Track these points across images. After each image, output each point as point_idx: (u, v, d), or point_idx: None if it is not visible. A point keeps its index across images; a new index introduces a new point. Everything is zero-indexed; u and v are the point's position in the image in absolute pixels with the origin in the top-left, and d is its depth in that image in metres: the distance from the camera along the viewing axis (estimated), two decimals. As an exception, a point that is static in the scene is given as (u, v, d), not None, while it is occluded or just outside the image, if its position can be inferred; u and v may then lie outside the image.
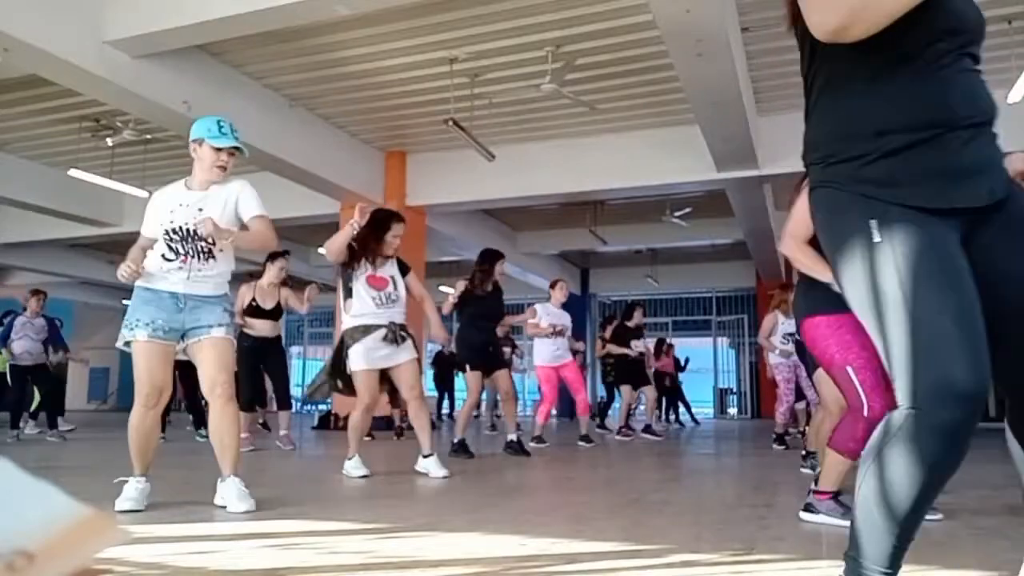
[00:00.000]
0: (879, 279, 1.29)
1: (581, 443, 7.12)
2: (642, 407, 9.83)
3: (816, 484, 2.93)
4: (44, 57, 5.98)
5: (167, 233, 3.14)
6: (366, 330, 4.33)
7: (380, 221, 4.54)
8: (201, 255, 3.17)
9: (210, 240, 3.13)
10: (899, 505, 1.27)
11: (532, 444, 6.76)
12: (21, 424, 7.87)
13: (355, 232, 4.27)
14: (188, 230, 3.15)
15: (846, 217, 1.36)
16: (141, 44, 6.36)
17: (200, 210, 3.16)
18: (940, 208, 1.31)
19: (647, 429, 8.71)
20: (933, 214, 1.31)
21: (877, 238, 1.30)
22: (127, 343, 3.18)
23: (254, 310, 6.47)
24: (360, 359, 4.30)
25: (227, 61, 7.76)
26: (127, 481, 3.10)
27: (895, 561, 1.31)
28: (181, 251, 3.14)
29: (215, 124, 3.21)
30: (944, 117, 1.33)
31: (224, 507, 3.08)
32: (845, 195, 1.37)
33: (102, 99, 7.22)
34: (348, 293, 4.43)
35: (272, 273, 6.56)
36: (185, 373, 6.83)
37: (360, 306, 4.38)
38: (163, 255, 3.14)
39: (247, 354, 6.41)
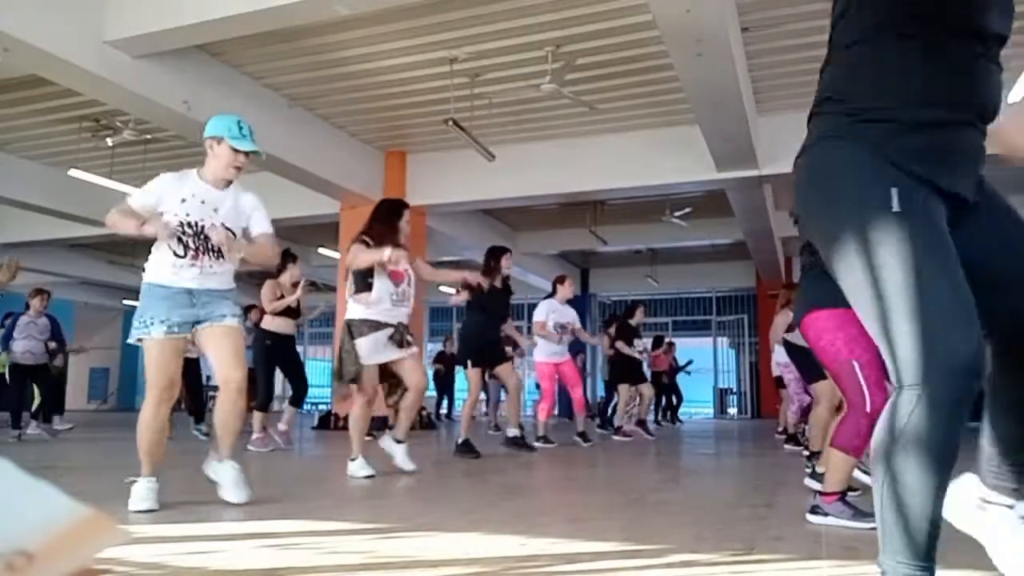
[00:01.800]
0: (892, 249, 1.26)
1: (578, 439, 7.13)
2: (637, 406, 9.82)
3: (819, 485, 2.92)
4: (44, 57, 5.98)
5: (181, 225, 3.14)
6: (376, 327, 4.31)
7: (391, 211, 4.55)
8: (212, 252, 3.20)
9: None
10: (928, 488, 1.24)
11: (539, 444, 6.81)
12: (22, 424, 7.85)
13: (385, 261, 4.22)
14: (203, 227, 3.17)
15: (863, 179, 1.32)
16: (141, 44, 6.36)
17: (215, 211, 3.21)
18: (948, 191, 1.33)
19: (641, 423, 8.72)
20: (941, 195, 1.33)
21: (896, 208, 1.27)
22: (139, 340, 3.13)
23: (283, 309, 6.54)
24: (366, 352, 4.30)
25: (227, 61, 7.75)
26: (136, 481, 3.07)
27: (933, 551, 1.29)
28: (192, 246, 3.16)
29: (235, 124, 3.23)
30: (979, 105, 1.35)
31: (216, 484, 3.19)
32: (867, 156, 1.33)
33: (102, 99, 7.22)
34: (367, 285, 4.33)
35: (296, 272, 6.67)
36: (186, 370, 6.84)
37: (377, 300, 4.32)
38: (174, 251, 3.13)
39: (269, 353, 6.48)
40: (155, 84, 6.85)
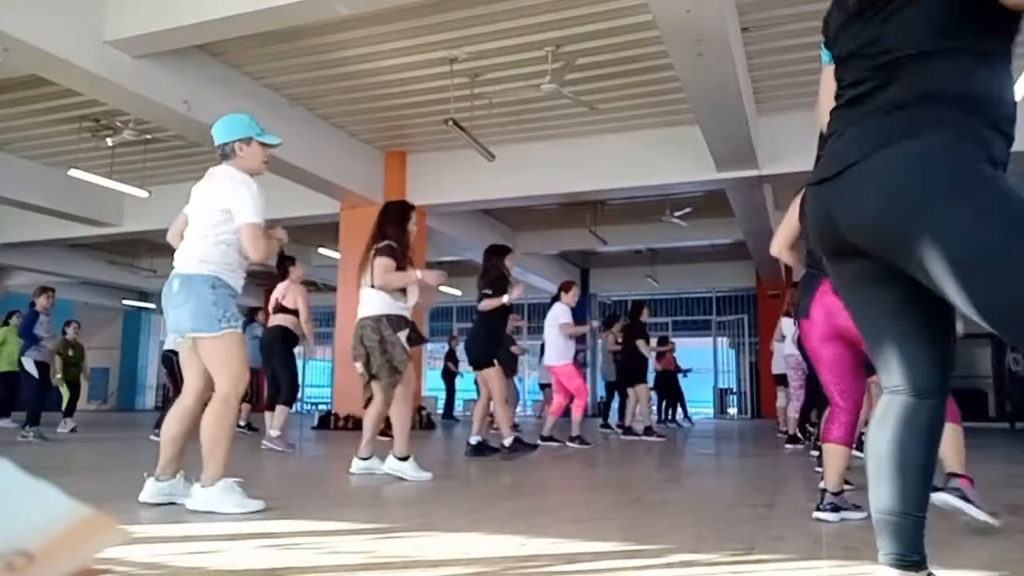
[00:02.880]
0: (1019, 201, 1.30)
1: (571, 444, 6.98)
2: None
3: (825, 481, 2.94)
4: (44, 57, 5.98)
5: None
6: (407, 324, 4.43)
7: (399, 213, 4.59)
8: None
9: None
10: None
11: (575, 445, 6.84)
12: (34, 423, 7.77)
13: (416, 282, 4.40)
14: None
15: (985, 169, 1.37)
16: (141, 44, 6.36)
17: None
18: None
19: (627, 430, 8.69)
20: None
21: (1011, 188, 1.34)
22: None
23: (283, 307, 6.55)
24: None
25: (227, 61, 7.76)
26: (235, 482, 3.04)
27: None
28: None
29: (255, 122, 3.27)
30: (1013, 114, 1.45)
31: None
32: (972, 145, 1.38)
33: (102, 99, 7.22)
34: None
35: (302, 271, 6.73)
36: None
37: (411, 302, 4.47)
38: (246, 256, 3.16)
39: (287, 350, 6.60)
40: (155, 84, 6.85)
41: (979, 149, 1.36)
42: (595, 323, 7.45)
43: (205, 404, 3.11)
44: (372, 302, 4.40)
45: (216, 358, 3.04)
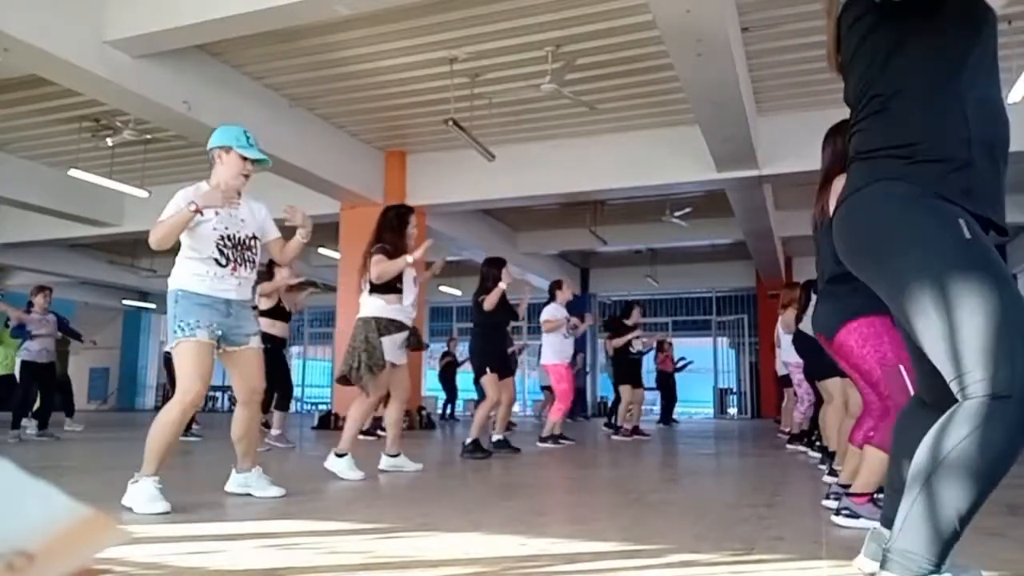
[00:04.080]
0: (972, 272, 1.31)
1: (541, 444, 7.00)
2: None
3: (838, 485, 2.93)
4: (44, 57, 5.98)
5: (222, 239, 3.23)
6: (400, 327, 4.45)
7: (397, 218, 4.62)
8: (247, 264, 3.32)
9: (256, 247, 3.39)
10: (977, 496, 1.29)
11: (547, 444, 6.84)
12: (24, 424, 7.80)
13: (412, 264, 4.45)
14: (239, 239, 3.29)
15: (930, 212, 1.38)
16: (141, 44, 6.36)
17: (243, 220, 3.33)
18: (998, 224, 1.43)
19: (618, 429, 8.66)
20: (989, 227, 1.43)
21: (968, 236, 1.34)
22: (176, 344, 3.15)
23: (280, 311, 6.54)
24: (389, 351, 4.39)
25: (227, 61, 7.76)
26: (137, 480, 3.02)
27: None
28: (232, 258, 3.26)
29: (241, 134, 3.31)
30: (1002, 144, 1.45)
31: (248, 495, 3.40)
32: (928, 193, 1.39)
33: (102, 99, 7.22)
34: (395, 288, 4.45)
35: (284, 272, 6.52)
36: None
37: (408, 302, 4.51)
38: (216, 260, 3.21)
39: (274, 355, 6.50)
40: (155, 84, 6.85)
41: (932, 191, 1.39)
42: (577, 320, 7.40)
43: (254, 406, 3.39)
44: (366, 305, 4.48)
45: (176, 367, 3.16)
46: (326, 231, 12.49)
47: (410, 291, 4.51)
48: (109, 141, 9.34)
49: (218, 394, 18.78)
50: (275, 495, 3.38)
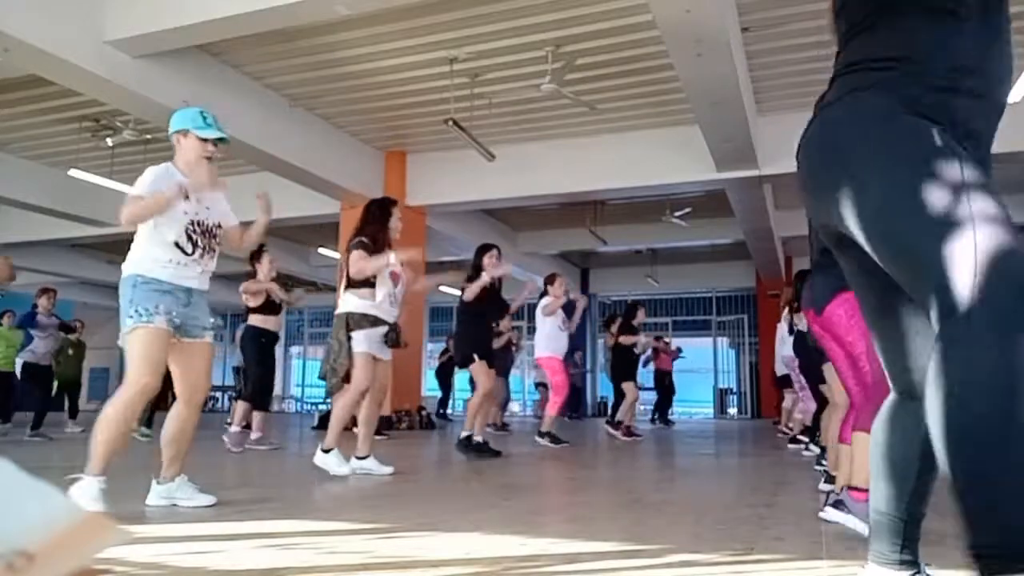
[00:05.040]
0: (951, 175, 1.20)
1: (540, 440, 6.88)
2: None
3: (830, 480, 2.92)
4: (44, 57, 5.98)
5: (192, 224, 3.11)
6: (375, 322, 4.40)
7: (380, 210, 4.59)
8: (211, 252, 3.20)
9: (220, 235, 3.24)
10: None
11: (544, 442, 6.75)
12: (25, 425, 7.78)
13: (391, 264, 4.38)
14: (207, 226, 3.17)
15: (906, 121, 1.29)
16: (141, 44, 6.36)
17: (208, 208, 3.20)
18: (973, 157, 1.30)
19: (616, 425, 8.63)
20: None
21: (940, 143, 1.24)
22: (132, 330, 2.96)
23: (271, 306, 6.49)
24: (363, 343, 4.35)
25: (227, 61, 7.76)
26: (80, 479, 2.90)
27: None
28: (199, 245, 3.13)
29: (199, 115, 3.19)
30: (996, 80, 1.35)
31: (177, 503, 3.07)
32: (899, 105, 1.30)
33: (102, 99, 7.22)
34: (369, 283, 4.41)
35: (267, 264, 6.44)
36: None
37: (380, 298, 4.44)
38: (181, 247, 3.07)
39: (263, 351, 6.50)
40: (155, 84, 6.85)
41: (907, 103, 1.30)
42: (575, 294, 7.26)
43: (194, 406, 3.12)
44: (342, 301, 4.47)
45: (127, 355, 2.98)
46: (326, 231, 12.51)
47: (383, 285, 4.42)
48: (109, 141, 9.35)
49: (218, 394, 18.77)
50: (204, 504, 3.06)
